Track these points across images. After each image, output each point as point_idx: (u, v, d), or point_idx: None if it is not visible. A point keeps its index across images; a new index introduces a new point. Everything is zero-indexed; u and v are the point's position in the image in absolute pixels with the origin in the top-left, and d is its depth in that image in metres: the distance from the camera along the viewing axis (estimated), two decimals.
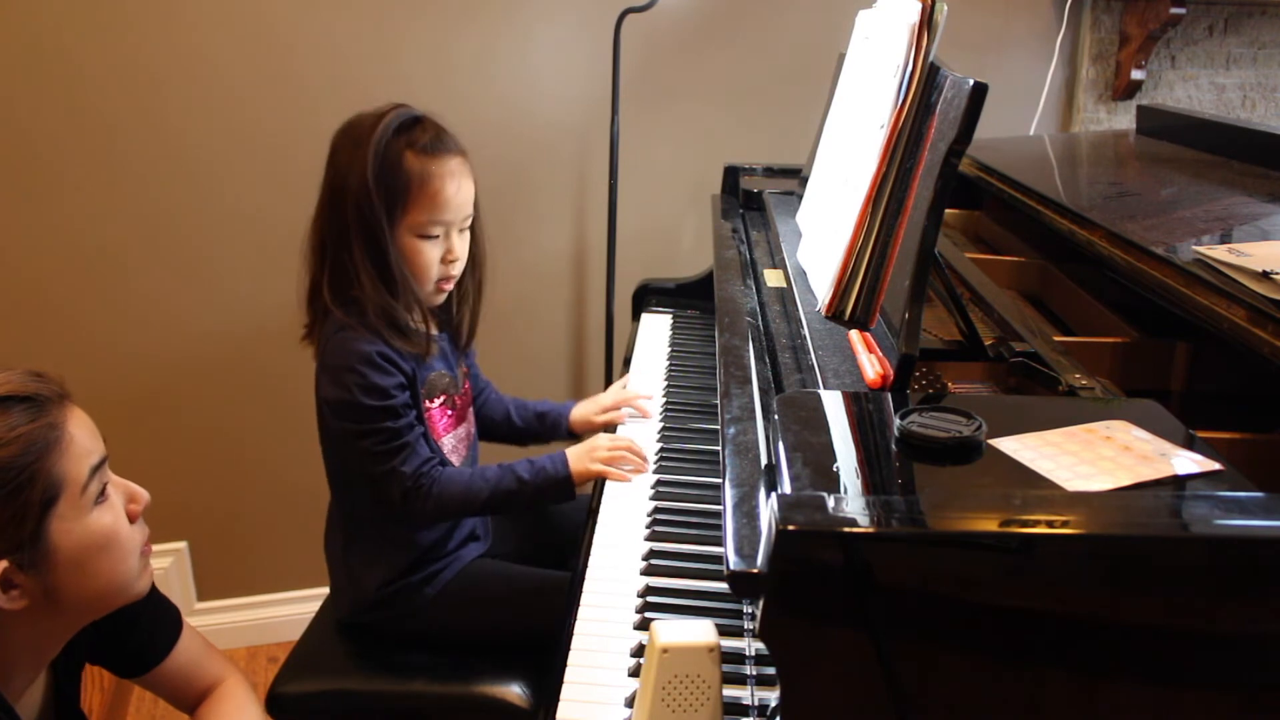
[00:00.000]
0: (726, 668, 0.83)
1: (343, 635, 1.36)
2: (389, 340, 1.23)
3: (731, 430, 0.96)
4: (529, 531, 1.54)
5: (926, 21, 1.01)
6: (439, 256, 1.26)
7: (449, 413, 1.36)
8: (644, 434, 1.46)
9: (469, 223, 1.29)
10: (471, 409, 1.45)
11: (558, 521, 1.54)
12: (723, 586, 1.05)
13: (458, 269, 1.29)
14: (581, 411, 1.53)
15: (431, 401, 1.33)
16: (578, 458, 1.32)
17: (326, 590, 1.45)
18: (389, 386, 1.21)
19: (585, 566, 1.16)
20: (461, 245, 1.28)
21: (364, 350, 1.21)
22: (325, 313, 1.27)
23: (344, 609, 1.37)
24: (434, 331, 1.33)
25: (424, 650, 1.32)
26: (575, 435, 1.53)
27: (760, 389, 1.05)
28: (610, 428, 1.49)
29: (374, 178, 1.18)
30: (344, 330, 1.22)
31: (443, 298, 1.32)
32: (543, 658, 1.16)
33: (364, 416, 1.21)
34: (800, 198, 1.50)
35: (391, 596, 1.31)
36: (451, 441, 1.37)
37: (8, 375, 0.88)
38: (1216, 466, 0.69)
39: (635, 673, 0.98)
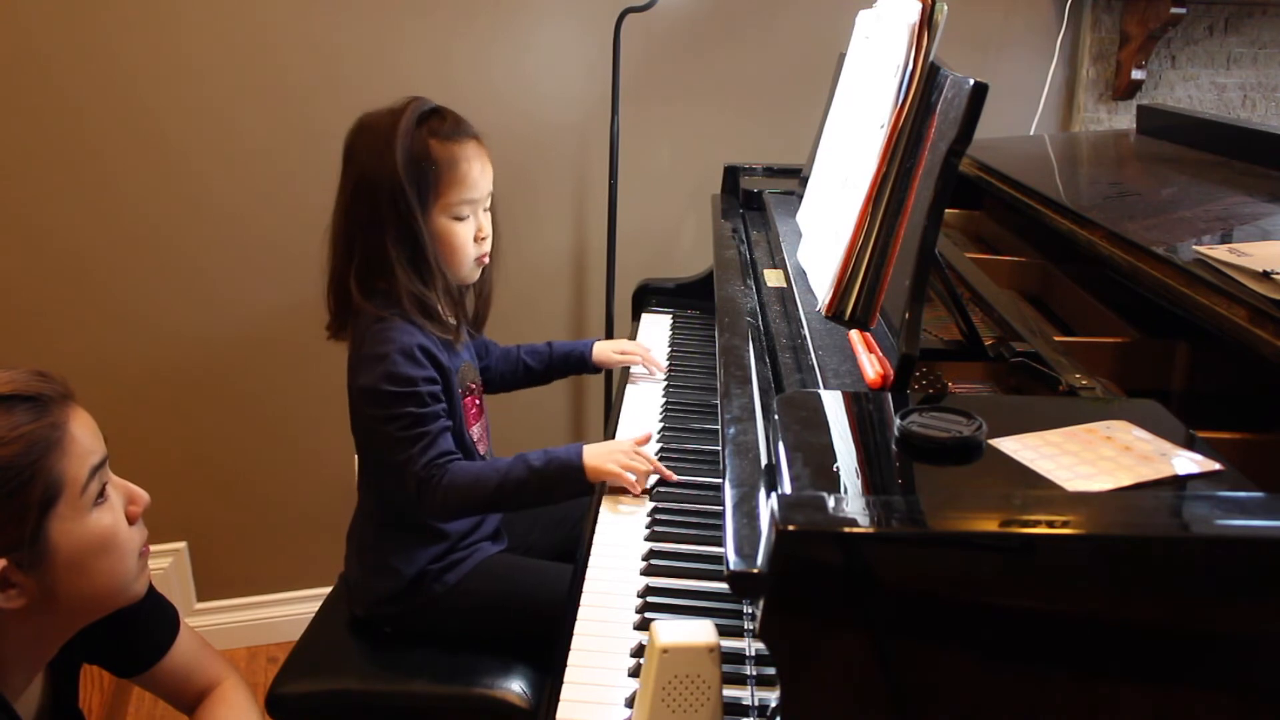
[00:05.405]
0: (726, 668, 0.83)
1: (345, 634, 1.36)
2: (425, 329, 1.27)
3: (731, 430, 0.96)
4: (546, 528, 1.56)
5: (926, 21, 1.01)
6: (472, 235, 1.32)
7: (477, 402, 1.41)
8: (645, 431, 1.46)
9: (489, 202, 1.35)
10: (483, 395, 1.49)
11: (573, 519, 1.55)
12: (723, 586, 1.05)
13: (489, 244, 1.36)
14: (602, 350, 1.64)
15: (465, 393, 1.37)
16: (595, 454, 1.27)
17: (326, 590, 1.44)
18: (417, 377, 1.25)
19: (585, 566, 1.16)
20: (488, 222, 1.35)
21: (403, 341, 1.25)
22: (352, 308, 1.30)
23: (362, 603, 1.37)
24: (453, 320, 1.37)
25: (436, 644, 1.32)
26: (597, 370, 1.67)
27: (760, 389, 1.05)
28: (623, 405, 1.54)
29: (404, 169, 1.24)
30: (382, 321, 1.26)
31: (479, 272, 1.38)
32: (543, 658, 1.15)
33: (388, 402, 1.24)
34: (800, 198, 1.50)
35: (417, 583, 1.33)
36: (479, 430, 1.41)
37: (12, 374, 0.88)
38: (1216, 466, 0.69)
39: (635, 673, 0.98)
